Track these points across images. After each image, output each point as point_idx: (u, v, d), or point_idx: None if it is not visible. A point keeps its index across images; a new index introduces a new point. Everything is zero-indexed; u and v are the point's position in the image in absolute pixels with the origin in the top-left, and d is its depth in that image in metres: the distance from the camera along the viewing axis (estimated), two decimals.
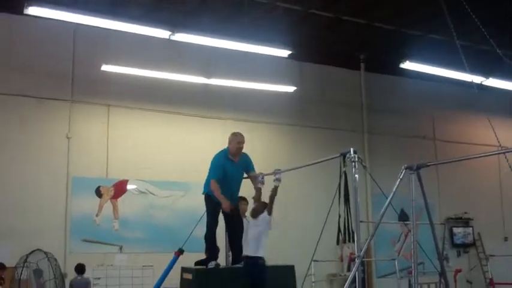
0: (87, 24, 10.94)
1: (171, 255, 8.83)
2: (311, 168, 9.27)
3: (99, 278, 12.18)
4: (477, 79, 13.26)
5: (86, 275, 11.42)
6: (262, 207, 8.02)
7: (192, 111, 13.69)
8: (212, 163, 7.95)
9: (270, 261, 9.05)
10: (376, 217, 13.40)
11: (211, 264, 7.24)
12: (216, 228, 7.65)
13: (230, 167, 7.72)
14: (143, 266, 12.61)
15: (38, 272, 11.01)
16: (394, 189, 5.83)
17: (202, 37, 11.27)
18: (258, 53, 11.94)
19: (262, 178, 8.09)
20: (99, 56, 12.50)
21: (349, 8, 12.81)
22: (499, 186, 17.60)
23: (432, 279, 13.03)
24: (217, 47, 11.78)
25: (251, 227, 7.89)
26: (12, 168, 11.86)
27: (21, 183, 11.85)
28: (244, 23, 11.52)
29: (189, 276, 7.35)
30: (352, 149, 6.44)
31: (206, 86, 13.37)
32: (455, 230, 17.16)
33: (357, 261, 5.96)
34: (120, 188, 12.85)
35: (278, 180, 7.96)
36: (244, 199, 8.72)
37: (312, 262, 8.96)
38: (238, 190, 8.10)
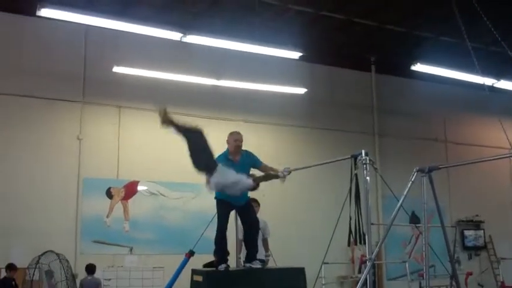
0: (99, 26, 11.01)
1: (182, 257, 8.85)
2: (321, 170, 9.29)
3: (109, 279, 12.20)
4: (488, 81, 13.21)
5: (96, 275, 11.45)
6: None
7: (202, 113, 13.66)
8: None
9: (280, 263, 9.08)
10: (387, 219, 13.41)
11: (222, 267, 7.21)
12: (226, 232, 7.61)
13: (231, 167, 7.60)
14: (153, 267, 12.62)
15: (50, 273, 11.04)
16: (405, 192, 5.80)
17: (213, 39, 11.30)
18: (268, 55, 11.94)
19: (287, 172, 7.89)
20: (110, 57, 12.56)
21: (360, 10, 12.80)
22: (511, 188, 17.49)
23: (443, 282, 12.93)
24: (228, 49, 11.79)
25: None
26: (23, 169, 11.91)
27: (32, 185, 11.90)
28: (255, 25, 11.51)
29: (199, 278, 7.33)
30: (363, 151, 6.43)
31: (217, 88, 13.39)
32: (466, 232, 17.09)
33: (369, 264, 5.94)
34: (130, 189, 12.88)
35: (284, 175, 7.81)
36: (255, 201, 8.71)
37: (323, 264, 8.93)
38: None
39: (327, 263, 9.09)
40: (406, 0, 12.25)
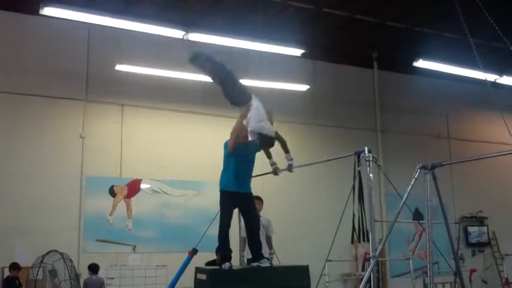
0: (101, 24, 11.03)
1: (185, 255, 8.83)
2: (324, 167, 9.29)
3: (112, 278, 12.21)
4: (491, 77, 13.20)
5: (100, 274, 11.46)
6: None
7: (205, 110, 13.70)
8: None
9: (283, 261, 9.07)
10: (390, 216, 13.39)
11: (226, 266, 7.20)
12: (229, 228, 7.57)
13: (242, 149, 7.57)
14: (157, 265, 12.64)
15: (53, 273, 11.06)
16: (408, 189, 5.80)
17: (216, 36, 11.30)
18: (271, 52, 11.95)
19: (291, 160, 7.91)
20: (113, 55, 12.57)
21: (362, 7, 12.78)
22: None
23: (447, 279, 12.97)
24: (231, 46, 11.79)
25: None
26: (26, 168, 11.91)
27: (35, 183, 11.90)
28: (258, 23, 11.51)
29: (203, 276, 7.32)
30: (366, 148, 6.42)
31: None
32: (470, 229, 17.06)
33: (372, 261, 5.93)
34: (133, 188, 12.88)
35: (290, 160, 7.85)
36: (258, 198, 8.71)
37: (326, 262, 8.92)
38: (251, 175, 7.91)
39: (331, 261, 9.08)
40: None
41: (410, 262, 12.83)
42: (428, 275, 5.89)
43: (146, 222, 12.84)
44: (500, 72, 13.69)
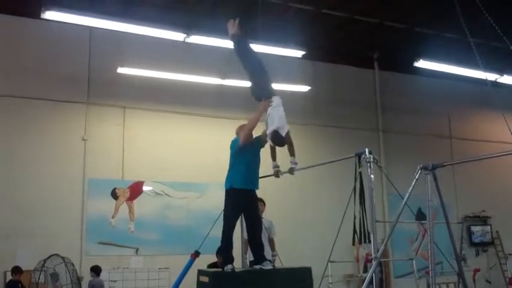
0: (103, 28, 11.05)
1: (187, 257, 8.84)
2: (325, 168, 9.26)
3: (115, 281, 12.22)
4: (492, 76, 13.20)
5: (102, 277, 11.48)
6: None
7: (207, 112, 13.73)
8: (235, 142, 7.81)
9: (286, 263, 9.07)
10: (392, 216, 13.40)
11: (228, 268, 7.18)
12: (233, 230, 7.53)
13: (250, 146, 7.59)
14: (159, 268, 12.64)
15: (55, 276, 11.06)
16: (410, 190, 5.80)
17: (217, 39, 11.31)
18: (271, 54, 11.94)
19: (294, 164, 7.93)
20: (114, 58, 12.60)
21: (361, 8, 12.80)
22: None
23: (451, 279, 12.97)
24: (232, 48, 11.78)
25: None
26: (28, 171, 11.96)
27: (38, 186, 11.94)
28: (258, 24, 11.51)
29: (205, 279, 7.32)
30: (367, 149, 6.40)
31: (221, 87, 13.40)
32: (473, 228, 17.04)
33: (374, 262, 5.92)
34: (135, 190, 12.90)
35: (293, 163, 7.86)
36: (261, 200, 8.71)
37: (329, 263, 8.93)
38: (258, 172, 7.93)
39: (333, 262, 9.08)
40: None
41: (414, 262, 12.81)
42: (431, 275, 5.90)
43: (148, 224, 12.85)
44: (501, 71, 13.69)
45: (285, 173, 8.02)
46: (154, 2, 12.31)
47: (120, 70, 12.32)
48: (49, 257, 10.89)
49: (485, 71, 9.76)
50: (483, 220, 17.22)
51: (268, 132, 7.53)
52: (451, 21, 9.81)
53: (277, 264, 8.82)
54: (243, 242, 8.47)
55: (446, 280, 13.33)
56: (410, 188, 5.78)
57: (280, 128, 7.45)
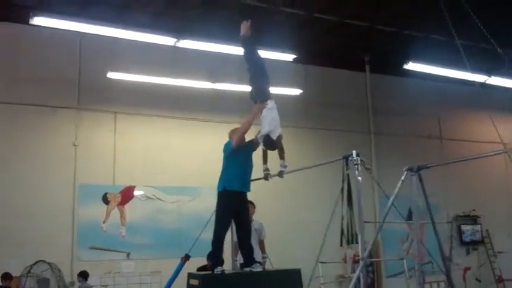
0: (93, 33, 11.07)
1: (179, 261, 8.88)
2: (317, 170, 9.30)
3: (106, 286, 12.21)
4: (480, 78, 13.32)
5: (93, 282, 11.52)
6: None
7: (198, 116, 13.76)
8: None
9: (276, 264, 9.12)
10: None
11: (218, 270, 7.22)
12: (225, 233, 7.56)
13: (243, 149, 7.64)
14: (151, 272, 12.66)
15: (45, 282, 11.04)
16: (395, 191, 5.88)
17: (207, 43, 11.36)
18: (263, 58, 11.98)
19: (284, 168, 8.00)
20: (105, 63, 12.62)
21: (352, 12, 12.86)
22: (506, 182, 17.53)
23: (442, 277, 13.01)
24: (223, 52, 11.85)
25: None
26: (19, 176, 11.94)
27: (28, 191, 11.93)
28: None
29: (195, 282, 7.35)
30: (354, 152, 6.46)
31: (212, 91, 13.45)
32: (463, 227, 17.14)
33: (361, 263, 5.99)
34: (127, 195, 12.91)
35: (283, 166, 7.92)
36: (251, 203, 8.76)
37: (319, 264, 8.98)
38: (251, 175, 8.01)
39: (324, 262, 9.14)
40: (396, 0, 12.34)
41: (404, 262, 12.87)
42: (417, 275, 5.97)
43: (140, 228, 12.86)
44: (489, 73, 13.81)
45: (274, 176, 8.07)
46: (145, 8, 12.33)
47: (111, 75, 12.35)
48: (35, 263, 10.87)
49: (473, 73, 9.87)
50: (473, 219, 17.33)
51: (259, 136, 7.58)
52: (440, 24, 9.92)
53: (268, 266, 8.89)
54: (233, 244, 8.51)
55: (436, 279, 13.38)
56: (396, 189, 5.87)
57: (271, 131, 7.50)
